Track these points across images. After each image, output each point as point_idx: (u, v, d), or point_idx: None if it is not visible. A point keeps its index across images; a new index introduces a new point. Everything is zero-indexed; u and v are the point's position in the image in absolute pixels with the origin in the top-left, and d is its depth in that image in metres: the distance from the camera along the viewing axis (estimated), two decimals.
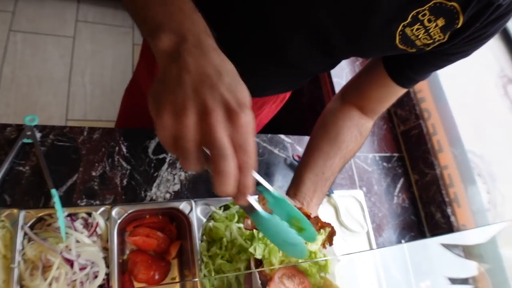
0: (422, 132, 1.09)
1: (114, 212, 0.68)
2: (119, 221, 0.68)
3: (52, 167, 0.69)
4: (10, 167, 0.67)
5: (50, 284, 0.61)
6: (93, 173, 0.72)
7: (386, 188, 1.03)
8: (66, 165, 0.71)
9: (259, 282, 0.52)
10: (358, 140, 0.72)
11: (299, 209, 0.57)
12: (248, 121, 0.33)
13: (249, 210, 0.42)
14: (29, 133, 0.70)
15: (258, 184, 0.44)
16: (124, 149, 0.76)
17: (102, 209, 0.68)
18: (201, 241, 0.71)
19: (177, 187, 0.77)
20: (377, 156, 1.07)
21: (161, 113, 0.32)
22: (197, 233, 0.72)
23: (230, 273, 0.66)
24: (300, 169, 0.70)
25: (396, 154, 1.11)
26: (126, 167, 0.75)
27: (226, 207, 0.76)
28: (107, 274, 0.65)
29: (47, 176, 0.67)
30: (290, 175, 0.89)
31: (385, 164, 1.07)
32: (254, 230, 0.57)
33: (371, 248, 0.91)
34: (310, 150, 0.71)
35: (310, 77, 0.83)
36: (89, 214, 0.68)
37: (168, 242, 0.75)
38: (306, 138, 0.97)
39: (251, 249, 0.54)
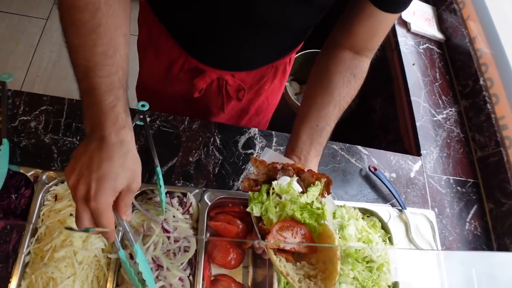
0: (502, 160, 1.05)
1: (206, 196, 0.75)
2: (210, 203, 0.74)
3: (156, 148, 0.77)
4: None
5: (147, 248, 0.68)
6: (190, 159, 0.80)
7: (459, 213, 1.01)
8: (168, 148, 0.79)
9: (259, 236, 0.57)
10: (353, 84, 0.69)
11: (292, 165, 0.60)
12: (95, 206, 0.50)
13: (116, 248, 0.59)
14: (141, 117, 0.79)
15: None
16: (218, 141, 0.83)
17: (196, 191, 0.75)
18: None
19: None
20: (451, 179, 1.05)
21: (67, 173, 0.52)
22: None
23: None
24: (296, 124, 0.70)
25: (471, 180, 1.08)
26: (219, 157, 0.82)
27: None
28: (196, 251, 0.71)
29: (154, 155, 0.75)
30: (364, 185, 0.91)
31: (459, 188, 1.05)
32: (250, 192, 0.60)
33: (439, 271, 0.89)
34: (304, 103, 0.71)
35: (299, 37, 0.79)
36: (184, 194, 0.76)
37: (245, 232, 0.80)
38: (383, 152, 0.98)
39: (248, 209, 0.59)
